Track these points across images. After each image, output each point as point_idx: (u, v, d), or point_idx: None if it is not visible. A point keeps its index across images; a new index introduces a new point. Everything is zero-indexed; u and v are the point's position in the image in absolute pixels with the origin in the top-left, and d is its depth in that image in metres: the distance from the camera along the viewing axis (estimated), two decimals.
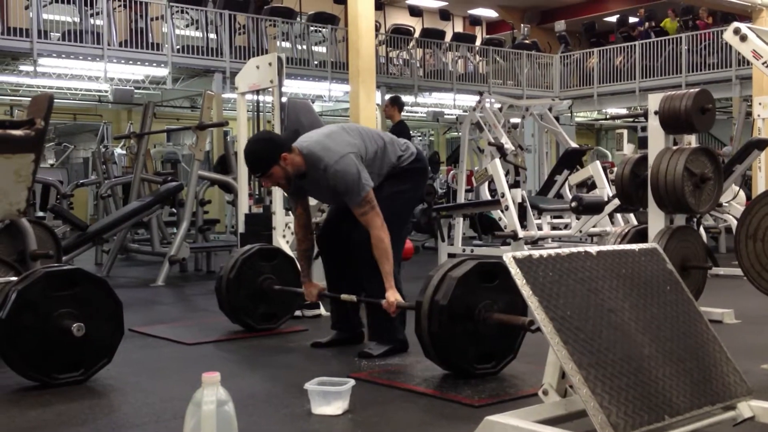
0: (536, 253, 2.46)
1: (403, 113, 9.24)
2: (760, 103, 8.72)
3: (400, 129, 8.52)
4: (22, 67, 13.46)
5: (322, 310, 5.19)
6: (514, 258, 2.39)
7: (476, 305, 3.32)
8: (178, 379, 3.62)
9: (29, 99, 15.47)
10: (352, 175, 3.75)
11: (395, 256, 3.87)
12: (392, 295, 3.73)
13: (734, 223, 7.92)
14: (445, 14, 20.08)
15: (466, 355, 3.36)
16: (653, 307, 2.57)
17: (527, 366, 3.57)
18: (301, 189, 4.06)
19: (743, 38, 4.41)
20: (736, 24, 4.57)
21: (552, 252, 2.49)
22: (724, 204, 8.15)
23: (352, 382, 2.99)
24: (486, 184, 8.51)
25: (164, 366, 3.97)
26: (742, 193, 8.69)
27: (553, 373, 2.51)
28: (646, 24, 18.63)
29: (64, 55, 12.88)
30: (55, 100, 11.89)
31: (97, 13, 13.10)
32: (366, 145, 3.92)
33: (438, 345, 3.34)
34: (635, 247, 2.75)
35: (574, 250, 2.56)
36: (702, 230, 7.33)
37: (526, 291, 2.33)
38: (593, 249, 2.60)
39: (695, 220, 5.31)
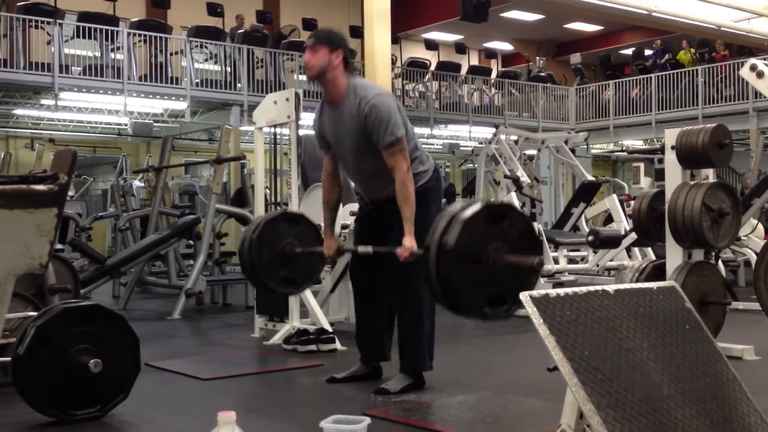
0: (553, 292, 2.44)
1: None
2: None
3: None
4: (43, 101, 13.64)
5: (338, 345, 5.18)
6: (531, 297, 2.38)
7: (485, 247, 3.15)
8: (194, 416, 3.61)
9: (50, 132, 15.68)
10: (389, 111, 3.70)
11: (419, 275, 3.87)
12: (409, 241, 3.64)
13: (753, 256, 7.85)
14: (460, 47, 20.20)
15: (476, 298, 3.18)
16: (672, 346, 2.54)
17: (545, 404, 3.53)
18: (323, 126, 3.99)
19: (760, 75, 4.42)
20: (752, 60, 4.58)
21: (569, 291, 2.47)
22: (742, 238, 8.09)
23: (368, 420, 2.97)
24: None
25: (180, 401, 3.97)
26: (760, 227, 8.62)
27: (570, 413, 2.49)
28: (665, 57, 18.64)
29: (84, 89, 13.06)
30: (75, 133, 12.00)
31: (118, 48, 13.30)
32: (402, 116, 3.87)
33: (446, 288, 3.17)
34: (653, 285, 2.73)
35: (592, 288, 2.54)
36: (720, 264, 7.28)
37: (543, 330, 2.32)
38: (611, 288, 2.59)
39: (714, 254, 5.28)
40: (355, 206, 5.37)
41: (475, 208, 3.18)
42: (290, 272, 4.48)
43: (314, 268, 4.61)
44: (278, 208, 7.51)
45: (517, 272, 3.21)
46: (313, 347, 5.12)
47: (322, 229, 4.23)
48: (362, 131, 3.77)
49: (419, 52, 19.36)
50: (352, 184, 5.43)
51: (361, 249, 3.90)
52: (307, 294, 5.54)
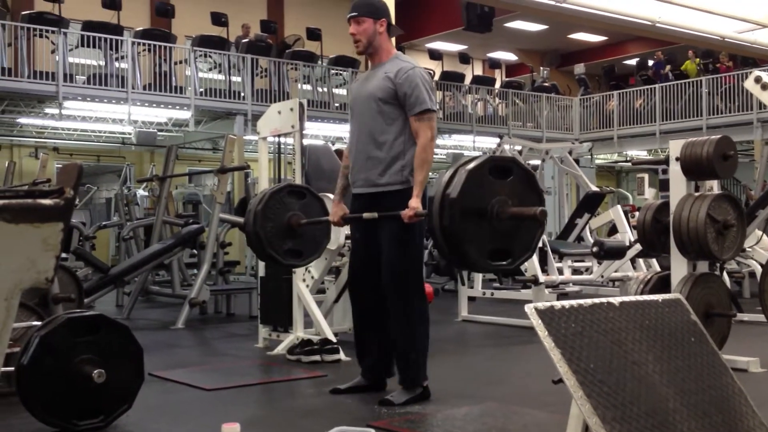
0: (558, 304, 2.44)
1: None
2: None
3: None
4: (47, 110, 13.69)
5: (342, 356, 5.17)
6: (536, 309, 2.37)
7: (489, 200, 3.16)
8: (198, 426, 3.60)
9: (54, 141, 15.73)
10: (427, 85, 3.81)
11: (418, 282, 3.89)
12: (415, 202, 3.69)
13: (758, 268, 7.83)
14: (464, 57, 20.24)
15: (480, 251, 3.19)
16: (677, 359, 2.53)
17: (550, 416, 3.52)
18: (357, 90, 4.05)
19: (764, 86, 4.42)
20: (757, 72, 4.57)
21: (574, 303, 2.47)
22: (747, 249, 8.07)
23: (372, 431, 2.97)
24: None
25: (183, 412, 3.96)
26: (765, 238, 8.59)
27: (576, 426, 2.48)
28: (667, 67, 18.66)
29: (89, 98, 13.10)
30: (79, 142, 12.03)
31: (122, 57, 13.34)
32: None
33: (450, 240, 3.18)
34: (658, 297, 2.73)
35: (597, 300, 2.54)
36: (725, 275, 7.26)
37: (548, 343, 2.31)
38: (616, 300, 2.58)
39: (718, 265, 5.26)
40: None
41: (479, 160, 3.18)
42: (296, 244, 4.45)
43: (319, 240, 4.59)
44: None
45: (521, 226, 3.20)
46: (317, 358, 5.11)
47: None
48: (388, 91, 3.84)
49: (423, 62, 19.35)
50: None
51: (366, 215, 3.88)
52: (311, 304, 5.53)
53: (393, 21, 4.06)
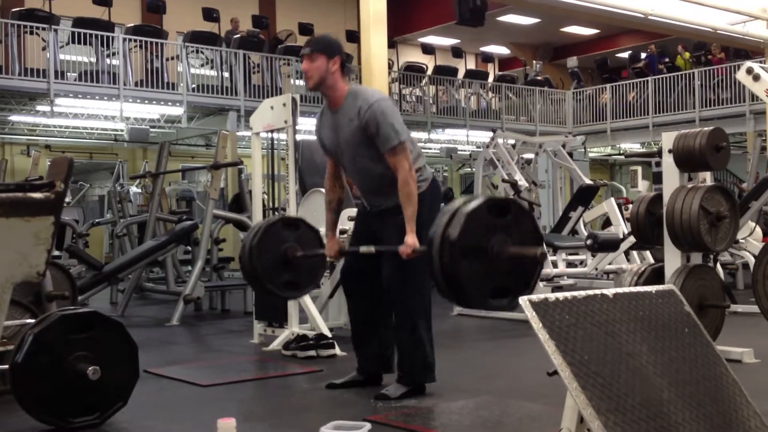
0: (552, 296, 2.44)
1: None
2: None
3: None
4: (39, 107, 13.63)
5: (338, 351, 5.17)
6: (531, 302, 2.37)
7: (488, 239, 3.17)
8: (193, 423, 3.60)
9: (46, 139, 15.66)
10: (392, 115, 3.74)
11: (423, 282, 3.87)
12: (411, 238, 3.67)
13: (751, 259, 7.85)
14: (457, 52, 20.22)
15: (480, 290, 3.19)
16: (671, 350, 2.54)
17: (545, 408, 3.53)
18: (322, 132, 4.01)
19: (756, 78, 4.42)
20: (749, 63, 4.58)
21: (568, 295, 2.47)
22: (740, 240, 8.09)
23: (368, 425, 2.97)
24: None
25: (179, 408, 3.96)
26: (758, 230, 8.62)
27: (571, 417, 2.48)
28: (660, 63, 18.68)
29: (80, 95, 13.04)
30: (71, 139, 11.97)
31: (114, 54, 13.28)
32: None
33: (450, 280, 3.18)
34: (652, 289, 2.73)
35: (591, 292, 2.54)
36: (719, 267, 7.28)
37: (542, 335, 2.31)
38: (610, 292, 2.58)
39: (712, 257, 5.28)
40: (353, 211, 5.36)
41: (478, 201, 3.20)
42: (293, 276, 4.45)
43: (316, 271, 4.59)
44: (276, 213, 7.50)
45: (521, 263, 3.22)
46: (312, 353, 5.11)
47: (324, 232, 4.23)
48: (361, 135, 3.78)
49: (416, 57, 19.38)
50: (351, 189, 5.43)
51: (363, 249, 3.89)
52: (306, 299, 5.53)
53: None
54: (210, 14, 15.96)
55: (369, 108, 3.73)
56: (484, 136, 16.34)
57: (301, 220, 4.66)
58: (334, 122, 3.90)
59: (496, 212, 3.20)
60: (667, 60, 18.75)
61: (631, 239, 6.64)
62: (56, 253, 10.40)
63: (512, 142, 10.23)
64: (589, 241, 6.77)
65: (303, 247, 4.41)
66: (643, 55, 19.80)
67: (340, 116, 3.86)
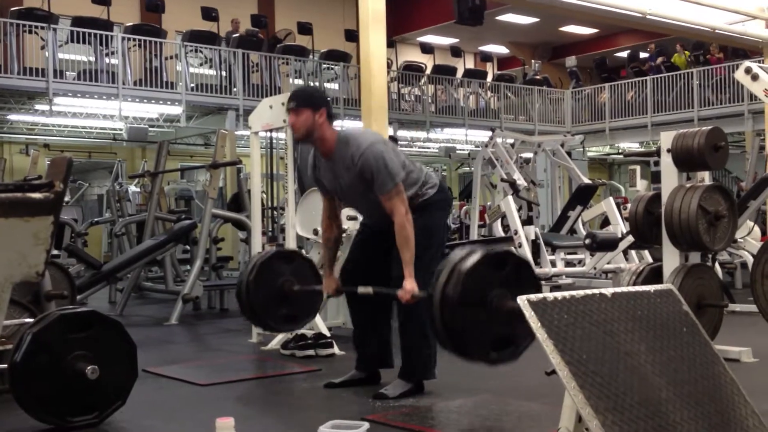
0: (550, 295, 2.44)
1: (413, 149, 9.26)
2: None
3: None
4: (37, 107, 13.62)
5: (336, 350, 5.17)
6: (529, 301, 2.38)
7: (488, 294, 3.18)
8: (192, 422, 3.61)
9: (45, 138, 15.66)
10: (384, 160, 3.74)
11: (430, 280, 3.87)
12: (410, 284, 3.68)
13: (749, 258, 7.86)
14: (456, 51, 20.22)
15: (482, 344, 3.22)
16: (670, 349, 2.54)
17: (543, 407, 3.53)
18: (320, 174, 4.02)
19: (755, 77, 4.43)
20: (747, 63, 4.59)
21: (567, 294, 2.47)
22: (739, 240, 8.10)
23: (366, 425, 2.97)
24: (499, 220, 8.50)
25: (178, 408, 3.96)
26: (757, 229, 8.63)
27: (569, 416, 2.49)
28: (658, 59, 18.68)
29: (79, 94, 13.04)
30: (70, 139, 11.96)
31: (112, 53, 13.28)
32: (396, 153, 3.92)
33: (453, 337, 3.21)
34: (650, 288, 2.73)
35: (589, 292, 2.54)
36: (717, 266, 7.29)
37: (541, 334, 2.32)
38: (608, 291, 2.59)
39: (710, 256, 5.28)
40: (352, 211, 5.37)
41: (476, 257, 3.23)
42: (290, 309, 4.53)
43: (313, 303, 4.65)
44: (275, 212, 7.51)
45: (521, 316, 3.25)
46: (311, 352, 5.12)
47: (320, 266, 4.26)
48: (361, 179, 3.81)
49: (415, 56, 19.37)
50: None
51: (361, 290, 3.94)
52: None
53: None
54: (209, 13, 15.95)
55: (361, 156, 3.75)
56: (483, 136, 16.35)
57: (295, 252, 4.74)
58: (332, 169, 3.93)
59: (495, 266, 3.26)
60: (663, 58, 18.73)
61: (630, 238, 6.65)
62: (55, 252, 10.40)
63: (511, 141, 10.24)
64: (587, 241, 6.77)
65: (298, 278, 4.48)
66: (644, 55, 19.79)
67: (335, 164, 3.89)
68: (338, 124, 15.83)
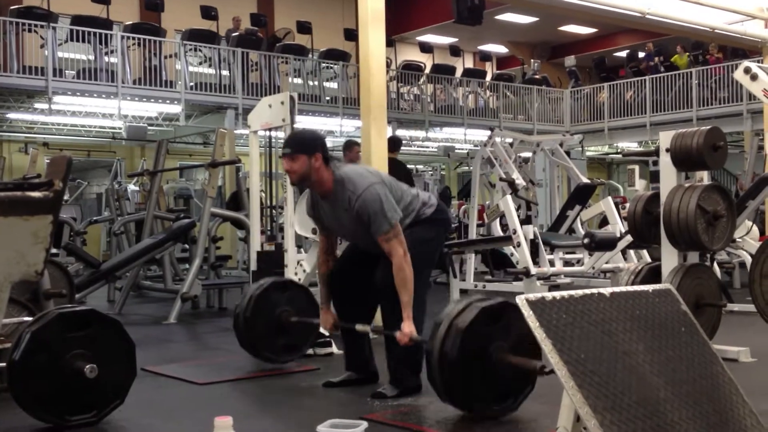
0: (549, 295, 2.44)
1: (412, 148, 9.24)
2: None
3: (394, 167, 8.45)
4: (37, 105, 13.62)
5: (335, 349, 5.17)
6: (527, 300, 2.38)
7: (486, 348, 3.29)
8: (191, 421, 3.61)
9: (44, 137, 15.64)
10: (380, 202, 3.76)
11: (421, 300, 3.89)
12: (408, 327, 3.72)
13: (748, 258, 7.86)
14: (455, 50, 20.21)
15: (483, 398, 3.33)
16: (668, 349, 2.55)
17: (541, 406, 3.53)
18: (320, 213, 4.05)
19: (754, 77, 4.43)
20: (746, 63, 4.59)
21: (565, 294, 2.47)
22: (737, 239, 8.10)
23: (365, 424, 2.98)
24: (498, 219, 8.49)
25: (176, 407, 3.96)
26: (755, 229, 8.63)
27: (567, 416, 2.49)
28: (656, 59, 18.68)
29: (78, 93, 13.03)
30: (69, 137, 11.96)
31: (112, 52, 13.27)
32: (393, 188, 3.95)
33: (453, 392, 3.34)
34: (649, 288, 2.74)
35: (588, 291, 2.54)
36: (716, 266, 7.29)
37: (539, 334, 2.32)
38: (606, 290, 2.59)
39: (709, 256, 5.27)
40: None
41: (473, 313, 3.25)
42: (288, 339, 4.59)
43: (311, 331, 4.67)
44: (274, 211, 7.51)
45: (522, 370, 3.28)
46: (309, 351, 5.11)
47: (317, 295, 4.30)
48: (360, 220, 3.83)
49: (414, 55, 19.36)
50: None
51: (359, 327, 3.99)
52: None
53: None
54: (208, 12, 15.94)
55: (357, 199, 3.78)
56: (482, 135, 16.37)
57: (290, 281, 4.76)
58: (331, 209, 3.96)
59: (491, 319, 3.32)
60: (661, 57, 18.73)
61: (628, 238, 6.64)
62: (54, 250, 10.40)
63: (510, 140, 10.23)
64: (586, 240, 6.76)
65: (294, 306, 4.50)
66: (642, 55, 19.79)
67: (335, 205, 3.91)
68: (337, 123, 15.86)
